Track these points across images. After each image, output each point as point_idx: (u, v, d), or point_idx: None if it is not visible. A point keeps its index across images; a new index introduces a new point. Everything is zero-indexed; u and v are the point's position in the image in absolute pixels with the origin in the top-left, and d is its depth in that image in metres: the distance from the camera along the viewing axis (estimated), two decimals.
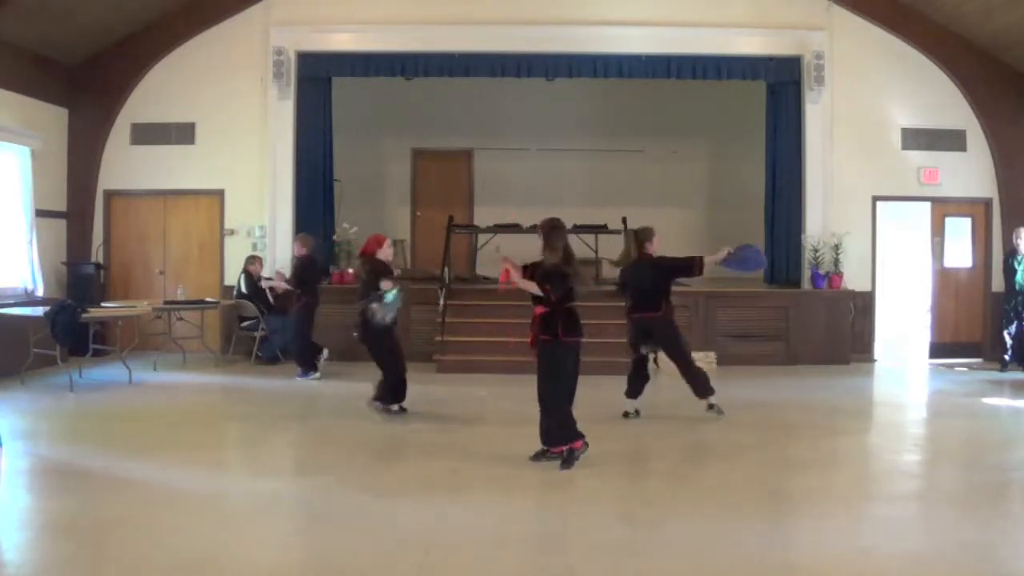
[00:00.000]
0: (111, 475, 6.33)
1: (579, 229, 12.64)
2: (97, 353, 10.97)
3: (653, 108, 15.06)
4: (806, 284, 12.44)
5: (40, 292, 11.54)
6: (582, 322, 6.69)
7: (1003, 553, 4.93)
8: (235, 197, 12.61)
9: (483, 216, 15.02)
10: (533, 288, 6.47)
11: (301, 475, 6.71)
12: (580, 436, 6.53)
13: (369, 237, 8.76)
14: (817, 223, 12.45)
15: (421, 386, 8.89)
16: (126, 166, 12.65)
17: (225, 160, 12.55)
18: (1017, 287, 11.55)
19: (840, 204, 12.48)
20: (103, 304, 11.26)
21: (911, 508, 5.91)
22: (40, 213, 11.73)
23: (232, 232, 12.62)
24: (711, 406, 8.26)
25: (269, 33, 12.41)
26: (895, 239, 13.23)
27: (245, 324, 11.69)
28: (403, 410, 8.39)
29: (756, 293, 12.54)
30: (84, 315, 9.79)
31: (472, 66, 12.69)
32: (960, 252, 12.83)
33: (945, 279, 12.90)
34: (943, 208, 12.83)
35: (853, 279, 12.39)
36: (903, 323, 13.58)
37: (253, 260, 11.80)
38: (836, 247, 12.24)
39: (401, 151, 15.68)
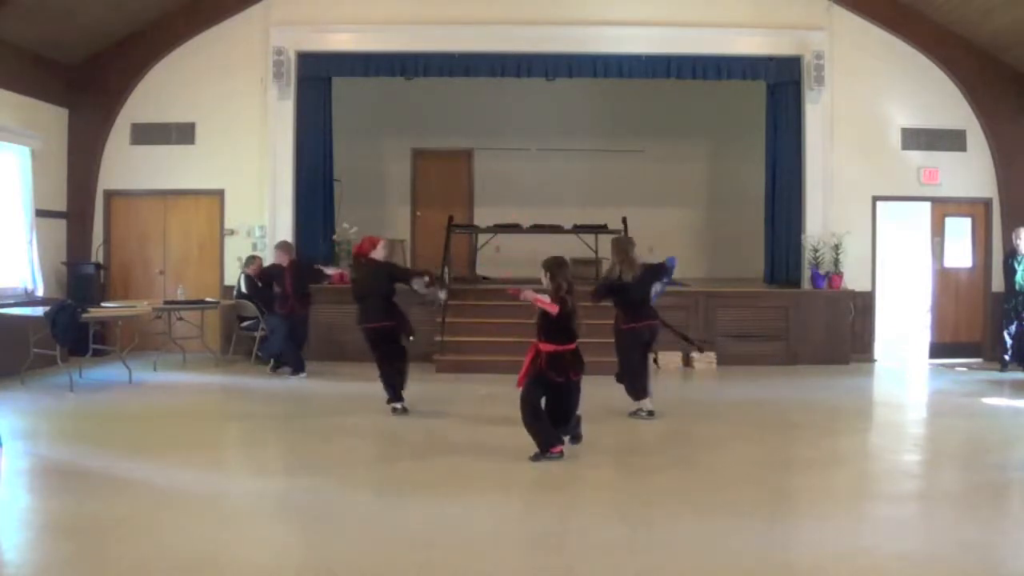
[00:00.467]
0: (111, 475, 6.33)
1: (579, 229, 12.65)
2: (97, 353, 10.96)
3: (653, 108, 15.07)
4: (806, 284, 12.44)
5: (40, 292, 11.54)
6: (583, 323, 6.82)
7: (1003, 553, 4.93)
8: (235, 197, 12.61)
9: (483, 216, 15.02)
10: (551, 307, 6.56)
11: (301, 475, 6.70)
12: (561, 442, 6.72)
13: (363, 238, 8.82)
14: (817, 223, 12.45)
15: (421, 385, 8.91)
16: (126, 166, 12.65)
17: (225, 160, 12.55)
18: (1017, 287, 11.55)
19: (840, 204, 12.48)
20: (103, 304, 11.26)
21: (911, 508, 5.90)
22: (40, 213, 11.73)
23: (232, 232, 12.62)
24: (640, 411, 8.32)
25: (269, 33, 12.41)
26: (895, 239, 13.23)
27: (245, 324, 11.68)
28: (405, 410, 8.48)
29: (756, 293, 12.54)
30: (84, 315, 9.78)
31: (472, 66, 12.69)
32: (960, 252, 12.83)
33: (945, 279, 12.90)
34: (943, 208, 12.83)
35: (853, 279, 12.39)
36: (903, 323, 13.58)
37: (252, 260, 11.79)
38: (836, 247, 12.24)
39: (401, 151, 15.68)
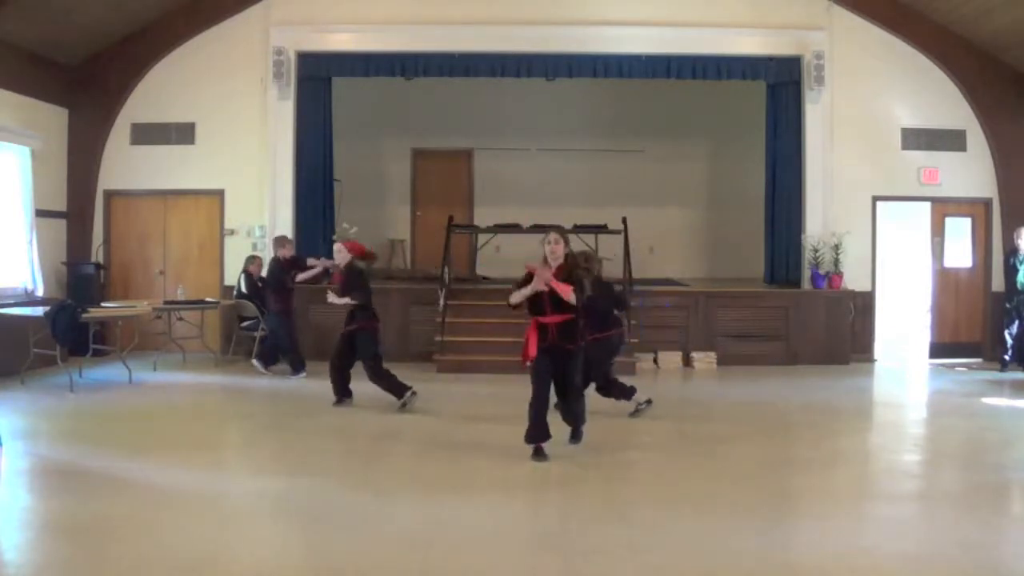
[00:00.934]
0: (111, 475, 6.33)
1: (579, 229, 12.64)
2: (97, 353, 10.96)
3: (653, 108, 15.07)
4: (806, 284, 12.45)
5: (40, 292, 11.54)
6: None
7: (1003, 553, 4.93)
8: (235, 197, 12.62)
9: (483, 216, 15.03)
10: (567, 293, 6.54)
11: (301, 475, 6.70)
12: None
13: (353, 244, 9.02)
14: (817, 223, 12.46)
15: (421, 385, 8.89)
16: (126, 166, 12.65)
17: (225, 160, 12.55)
18: (1019, 286, 11.55)
19: (840, 204, 12.48)
20: (103, 304, 11.26)
21: (911, 508, 5.90)
22: (40, 213, 11.73)
23: (232, 232, 12.62)
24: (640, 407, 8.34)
25: (269, 33, 12.42)
26: (895, 239, 13.23)
27: (245, 324, 11.67)
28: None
29: (756, 293, 12.54)
30: (84, 315, 9.79)
31: (472, 66, 12.69)
32: (960, 252, 12.83)
33: (945, 279, 12.90)
34: (943, 208, 12.83)
35: (853, 279, 12.39)
36: (903, 323, 13.58)
37: (253, 260, 11.78)
38: (836, 247, 12.24)
39: (401, 151, 15.68)
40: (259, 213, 12.53)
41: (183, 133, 12.63)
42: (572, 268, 6.71)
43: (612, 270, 10.75)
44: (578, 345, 6.77)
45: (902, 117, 12.65)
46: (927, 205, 12.83)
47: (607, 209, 13.73)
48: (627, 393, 8.34)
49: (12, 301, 10.91)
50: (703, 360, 11.84)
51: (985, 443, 7.74)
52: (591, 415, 7.34)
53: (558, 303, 6.62)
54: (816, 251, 12.29)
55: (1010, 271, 11.71)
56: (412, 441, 7.59)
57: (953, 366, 12.19)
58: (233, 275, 12.15)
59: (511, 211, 13.96)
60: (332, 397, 8.89)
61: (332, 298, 8.76)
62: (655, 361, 11.74)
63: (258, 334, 11.46)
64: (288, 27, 12.43)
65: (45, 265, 11.74)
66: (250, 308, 11.46)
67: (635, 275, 11.96)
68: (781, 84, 12.77)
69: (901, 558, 4.78)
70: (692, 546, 4.96)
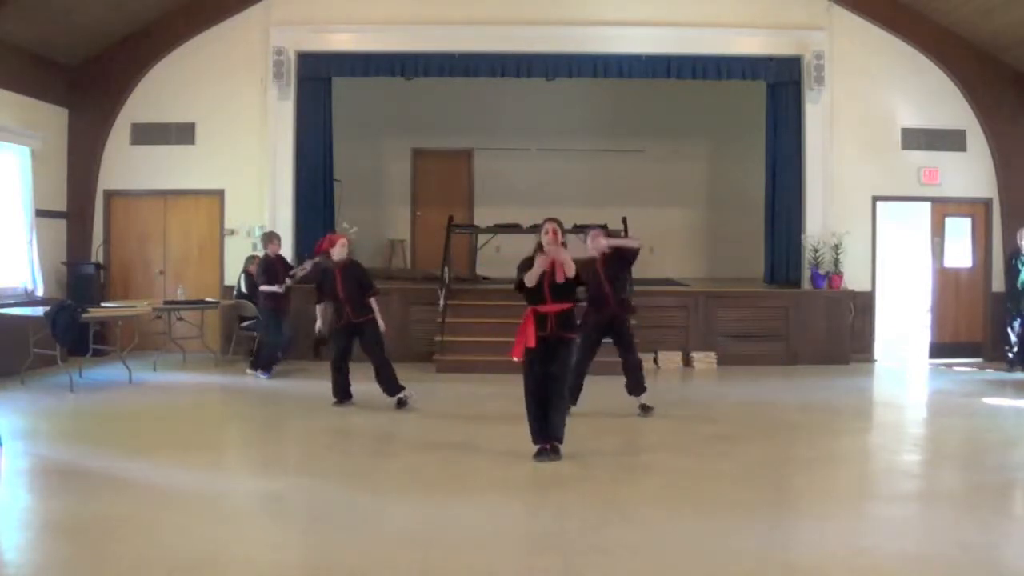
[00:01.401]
0: (111, 475, 6.33)
1: (579, 229, 12.63)
2: (97, 353, 10.96)
3: (653, 108, 15.07)
4: (806, 284, 12.45)
5: (40, 292, 11.54)
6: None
7: (1003, 553, 4.93)
8: (235, 197, 12.62)
9: (483, 216, 15.02)
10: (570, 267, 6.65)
11: (301, 475, 6.70)
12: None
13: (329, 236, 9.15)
14: (817, 223, 12.46)
15: (421, 385, 8.90)
16: (126, 166, 12.66)
17: (225, 160, 12.55)
18: (1021, 287, 11.55)
19: (840, 204, 12.49)
20: (103, 304, 11.27)
21: (911, 508, 5.90)
22: (40, 213, 11.73)
23: (232, 232, 12.62)
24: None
25: (269, 33, 12.42)
26: (895, 239, 13.23)
27: (245, 324, 11.67)
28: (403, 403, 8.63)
29: (756, 293, 12.54)
30: (84, 315, 9.79)
31: (472, 66, 12.69)
32: (960, 252, 12.83)
33: (945, 279, 12.90)
34: (943, 208, 12.83)
35: (853, 279, 12.39)
36: (903, 323, 13.59)
37: (253, 260, 11.78)
38: (836, 247, 12.24)
39: (401, 151, 15.68)
40: (259, 213, 12.52)
41: (183, 133, 12.63)
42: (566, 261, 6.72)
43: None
44: (576, 335, 6.75)
45: (902, 117, 12.65)
46: (927, 205, 12.83)
47: (607, 209, 13.71)
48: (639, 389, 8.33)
49: (12, 301, 10.92)
50: (703, 360, 11.84)
51: (985, 443, 7.73)
52: (592, 416, 7.35)
53: (558, 292, 6.63)
54: (816, 251, 12.29)
55: (1012, 271, 11.70)
56: (412, 441, 7.58)
57: (953, 366, 12.19)
58: (233, 275, 12.16)
59: (511, 211, 13.96)
60: (331, 397, 8.89)
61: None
62: (655, 361, 11.73)
63: (258, 334, 11.46)
64: (288, 27, 12.43)
65: (45, 265, 11.74)
66: (250, 308, 11.46)
67: (635, 275, 11.93)
68: (781, 84, 12.77)
69: (901, 558, 4.78)
70: (692, 546, 4.96)
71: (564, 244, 6.77)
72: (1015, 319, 11.62)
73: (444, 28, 12.39)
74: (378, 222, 14.91)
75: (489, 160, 15.61)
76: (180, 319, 11.75)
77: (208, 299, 11.94)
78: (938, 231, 12.87)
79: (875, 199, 12.66)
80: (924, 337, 13.02)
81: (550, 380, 6.69)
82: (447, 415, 8.59)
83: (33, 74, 11.68)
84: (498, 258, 13.68)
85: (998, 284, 12.34)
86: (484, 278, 13.43)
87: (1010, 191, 12.56)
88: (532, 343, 6.61)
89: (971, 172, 12.67)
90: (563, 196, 14.91)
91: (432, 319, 11.57)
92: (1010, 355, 11.68)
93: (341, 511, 5.58)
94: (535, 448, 6.70)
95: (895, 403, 10.31)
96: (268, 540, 5.16)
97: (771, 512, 5.69)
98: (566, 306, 6.68)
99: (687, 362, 11.85)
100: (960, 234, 12.82)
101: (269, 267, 10.66)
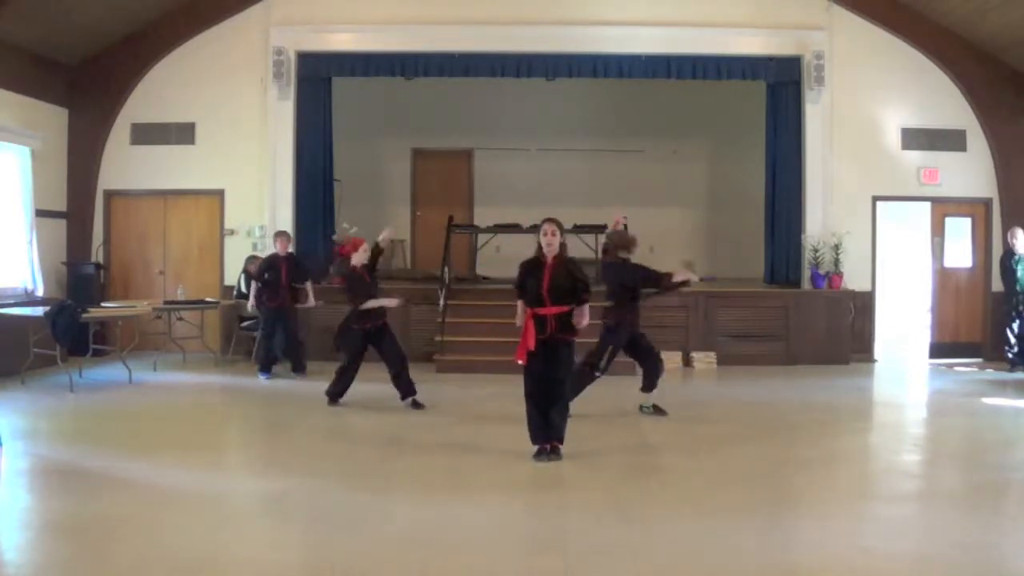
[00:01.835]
0: (111, 475, 6.33)
1: (579, 229, 12.64)
2: (97, 353, 10.96)
3: (653, 108, 15.06)
4: (806, 284, 12.45)
5: (40, 292, 11.54)
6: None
7: (1003, 553, 4.93)
8: (235, 197, 12.62)
9: (483, 216, 15.01)
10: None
11: (301, 475, 6.70)
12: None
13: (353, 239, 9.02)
14: (817, 223, 12.46)
15: (421, 385, 8.89)
16: (126, 166, 12.66)
17: (225, 160, 12.55)
18: (1020, 286, 11.55)
19: (840, 204, 12.48)
20: (103, 304, 11.26)
21: (911, 508, 5.90)
22: (40, 213, 11.73)
23: (232, 232, 12.62)
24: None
25: (269, 33, 12.42)
26: (895, 239, 13.23)
27: (245, 324, 11.68)
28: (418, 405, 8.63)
29: (756, 293, 12.54)
30: (84, 315, 9.79)
31: (472, 66, 12.68)
32: (960, 252, 12.83)
33: (945, 279, 12.90)
34: (943, 208, 12.82)
35: (853, 279, 12.39)
36: (903, 323, 13.59)
37: (253, 260, 11.78)
38: (836, 247, 12.24)
39: (401, 151, 15.68)
40: (259, 213, 12.53)
41: (183, 133, 12.63)
42: (567, 259, 6.71)
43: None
44: (575, 336, 6.75)
45: (902, 117, 12.65)
46: (927, 205, 12.83)
47: (607, 209, 13.68)
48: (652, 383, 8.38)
49: (12, 301, 10.92)
50: (703, 360, 11.84)
51: (985, 443, 7.74)
52: (592, 416, 7.35)
53: (557, 295, 6.62)
54: (816, 251, 12.29)
55: (1008, 271, 11.70)
56: (412, 441, 7.58)
57: (953, 366, 12.19)
58: (233, 275, 12.16)
59: (511, 211, 13.96)
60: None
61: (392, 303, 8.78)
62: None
63: (258, 334, 11.46)
64: (288, 27, 12.43)
65: (45, 265, 11.74)
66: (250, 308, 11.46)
67: None
68: (781, 84, 12.76)
69: (901, 558, 4.78)
70: (692, 546, 4.96)
71: (564, 244, 6.76)
72: (1014, 319, 11.62)
73: (444, 28, 12.39)
74: (378, 222, 14.84)
75: (489, 160, 15.61)
76: (180, 319, 11.75)
77: (208, 299, 11.93)
78: (938, 231, 12.87)
79: (875, 199, 12.66)
80: (924, 337, 13.02)
81: (551, 382, 6.69)
82: (447, 415, 8.59)
83: (33, 74, 11.68)
84: (498, 258, 13.69)
85: (998, 284, 12.32)
86: (484, 278, 13.43)
87: (1010, 191, 12.55)
88: (532, 346, 6.61)
89: (971, 172, 12.67)
90: (563, 196, 14.91)
91: (432, 319, 11.57)
92: (1010, 355, 11.68)
93: (341, 511, 5.58)
94: (535, 448, 6.70)
95: (895, 403, 10.31)
96: (268, 540, 5.16)
97: (771, 512, 5.69)
98: (565, 308, 6.67)
99: (687, 362, 11.85)
100: (960, 234, 12.82)
101: (271, 265, 10.63)
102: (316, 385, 10.08)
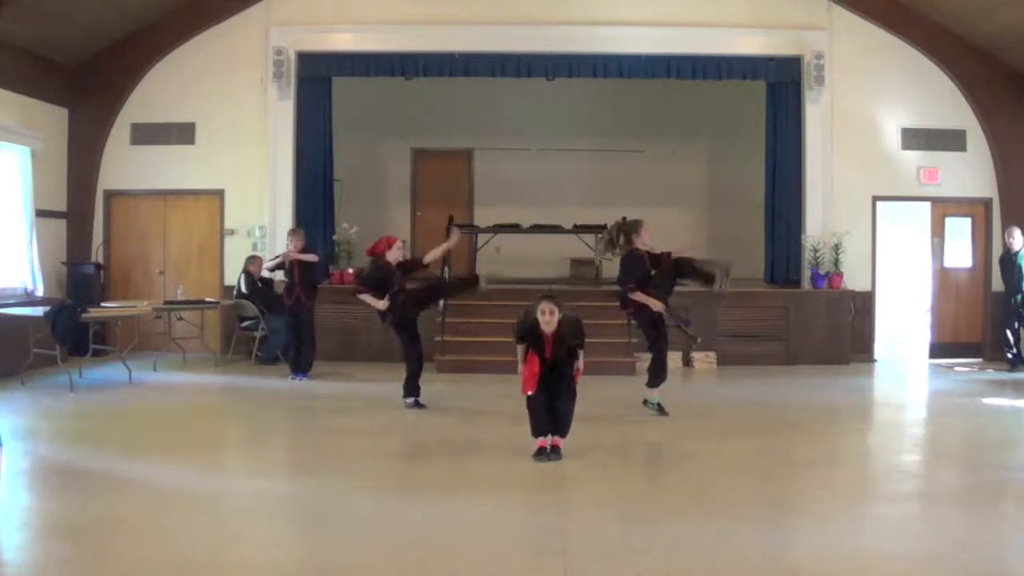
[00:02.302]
0: (111, 475, 6.34)
1: (579, 229, 12.64)
2: (97, 353, 10.96)
3: (653, 108, 15.05)
4: (806, 284, 12.44)
5: (40, 292, 11.53)
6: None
7: (1003, 553, 4.93)
8: (235, 197, 12.62)
9: (483, 216, 15.01)
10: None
11: (301, 475, 6.71)
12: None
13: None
14: (817, 223, 12.45)
15: (421, 385, 8.88)
16: (126, 166, 12.65)
17: (225, 160, 12.55)
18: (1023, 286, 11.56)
19: (840, 204, 12.48)
20: (103, 304, 11.26)
21: (911, 508, 5.90)
22: (40, 213, 11.72)
23: (232, 232, 12.62)
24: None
25: (269, 33, 12.41)
26: (895, 239, 13.23)
27: (245, 324, 11.68)
28: (419, 405, 8.59)
29: (756, 293, 12.54)
30: (84, 315, 9.78)
31: (472, 66, 12.68)
32: (960, 252, 12.83)
33: (945, 279, 12.90)
34: (943, 208, 12.82)
35: (853, 279, 12.39)
36: (903, 323, 13.58)
37: (253, 260, 11.80)
38: (836, 247, 12.24)
39: (401, 151, 15.66)
40: (259, 213, 12.52)
41: (183, 133, 12.62)
42: (565, 334, 6.67)
43: (611, 268, 10.71)
44: (576, 359, 6.78)
45: (902, 117, 12.64)
46: (927, 205, 12.83)
47: (607, 209, 13.68)
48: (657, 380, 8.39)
49: (12, 301, 10.91)
50: (703, 360, 11.84)
51: (985, 443, 7.74)
52: (592, 416, 7.35)
53: (558, 353, 6.64)
54: (816, 251, 12.29)
55: (1009, 271, 11.69)
56: (412, 441, 7.58)
57: (953, 366, 12.18)
58: (233, 275, 12.15)
59: (511, 211, 13.96)
60: (330, 397, 8.88)
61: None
62: None
63: (258, 334, 11.47)
64: (288, 27, 12.42)
65: (45, 265, 11.73)
66: (250, 308, 11.48)
67: None
68: (781, 84, 12.76)
69: (901, 558, 4.78)
70: (692, 546, 4.96)
71: (562, 321, 6.71)
72: (1015, 319, 11.61)
73: (444, 28, 12.38)
74: (378, 222, 14.88)
75: (489, 160, 15.60)
76: (180, 319, 11.74)
77: (208, 299, 11.93)
78: (938, 231, 12.87)
79: (875, 199, 12.65)
80: (924, 337, 13.02)
81: (558, 385, 6.72)
82: (447, 415, 8.59)
83: (33, 74, 11.67)
84: (498, 258, 13.70)
85: (998, 284, 12.33)
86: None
87: (1010, 191, 12.55)
88: (532, 388, 6.59)
89: (971, 172, 12.66)
90: (563, 196, 14.93)
91: (432, 319, 11.55)
92: (1010, 355, 11.68)
93: (341, 511, 5.58)
94: (535, 446, 6.69)
95: (895, 403, 10.31)
96: (268, 540, 5.17)
97: (771, 512, 5.69)
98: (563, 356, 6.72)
99: (687, 362, 11.85)
100: (960, 234, 12.83)
101: (283, 263, 10.61)
102: (317, 385, 10.11)
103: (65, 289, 12.00)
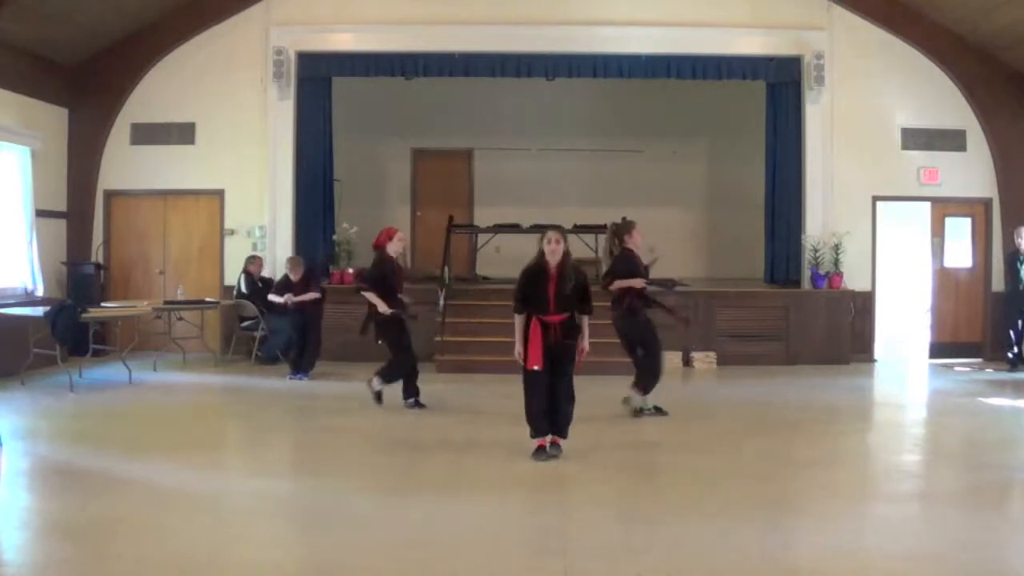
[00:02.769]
0: (111, 475, 6.34)
1: (579, 229, 12.64)
2: (97, 353, 10.96)
3: (653, 108, 15.05)
4: (806, 284, 12.45)
5: (40, 292, 11.53)
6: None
7: (1003, 553, 4.93)
8: (235, 197, 12.62)
9: (483, 216, 15.01)
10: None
11: (301, 475, 6.71)
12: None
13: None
14: (817, 223, 12.45)
15: (421, 385, 8.88)
16: (126, 166, 12.65)
17: (225, 160, 12.55)
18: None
19: (840, 204, 12.48)
20: (103, 304, 11.26)
21: (911, 508, 5.90)
22: (40, 213, 11.72)
23: (232, 232, 12.62)
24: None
25: (269, 33, 12.42)
26: (895, 239, 13.23)
27: (245, 324, 11.69)
28: (419, 405, 8.59)
29: (756, 293, 12.55)
30: (84, 315, 9.78)
31: (472, 66, 12.68)
32: (960, 252, 12.84)
33: (945, 279, 12.90)
34: (943, 208, 12.83)
35: (853, 279, 12.39)
36: (903, 323, 13.58)
37: (253, 260, 11.80)
38: (836, 247, 12.24)
39: (401, 151, 15.67)
40: (259, 213, 12.52)
41: (183, 133, 12.62)
42: (569, 267, 6.70)
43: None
44: (577, 339, 6.77)
45: (902, 117, 12.65)
46: (927, 205, 12.83)
47: (607, 209, 13.68)
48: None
49: (12, 301, 10.91)
50: (703, 360, 11.84)
51: (985, 443, 7.73)
52: (592, 416, 7.34)
53: (563, 301, 6.64)
54: (816, 251, 12.29)
55: (1018, 271, 11.68)
56: (412, 441, 7.58)
57: (952, 366, 12.18)
58: (233, 275, 12.16)
59: (511, 211, 13.95)
60: (330, 397, 8.87)
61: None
62: None
63: (258, 334, 11.47)
64: (288, 27, 12.42)
65: (45, 265, 11.73)
66: (250, 308, 11.47)
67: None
68: (781, 84, 12.76)
69: (901, 558, 4.78)
70: (692, 546, 4.96)
71: (567, 252, 6.74)
72: (1018, 319, 11.60)
73: (444, 28, 12.39)
74: (378, 222, 14.84)
75: (489, 160, 15.60)
76: (180, 319, 11.74)
77: (208, 299, 11.93)
78: (938, 231, 12.87)
79: (875, 199, 12.66)
80: (924, 337, 13.02)
81: (559, 381, 6.71)
82: (447, 415, 8.59)
83: (33, 74, 11.67)
84: (498, 258, 13.69)
85: (998, 284, 12.33)
86: (484, 278, 13.43)
87: (1010, 191, 12.55)
88: (536, 359, 6.57)
89: (971, 172, 12.66)
90: (563, 196, 14.93)
91: (432, 319, 11.55)
92: (1010, 355, 11.67)
93: (341, 511, 5.58)
94: (534, 446, 6.68)
95: (895, 403, 10.31)
96: (268, 540, 5.17)
97: (771, 512, 5.69)
98: (567, 315, 6.69)
99: (687, 362, 11.85)
100: (960, 234, 12.83)
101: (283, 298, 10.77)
102: (317, 385, 10.11)
103: (65, 289, 12.01)
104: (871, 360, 12.45)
